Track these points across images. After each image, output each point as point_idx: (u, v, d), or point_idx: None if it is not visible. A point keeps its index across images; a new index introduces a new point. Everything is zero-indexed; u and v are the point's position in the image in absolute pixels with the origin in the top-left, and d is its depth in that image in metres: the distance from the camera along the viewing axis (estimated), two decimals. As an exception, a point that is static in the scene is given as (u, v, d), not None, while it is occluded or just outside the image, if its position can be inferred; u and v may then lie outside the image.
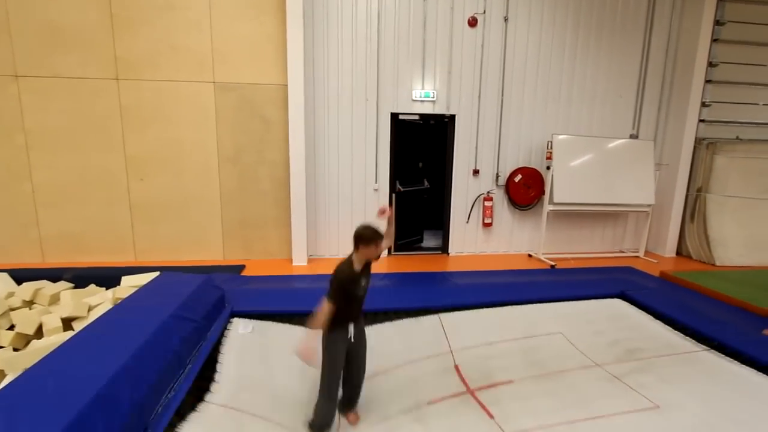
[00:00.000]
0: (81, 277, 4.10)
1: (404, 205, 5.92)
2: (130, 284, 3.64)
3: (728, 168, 5.87)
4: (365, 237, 2.24)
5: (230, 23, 4.93)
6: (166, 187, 5.14)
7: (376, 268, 5.33)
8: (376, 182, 5.59)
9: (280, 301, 3.78)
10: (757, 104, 6.18)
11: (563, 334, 3.47)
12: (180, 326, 2.67)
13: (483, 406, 2.56)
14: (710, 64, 5.86)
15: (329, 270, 4.96)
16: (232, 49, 4.98)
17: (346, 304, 2.32)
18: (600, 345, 3.28)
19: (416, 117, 5.62)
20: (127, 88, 4.89)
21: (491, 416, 2.45)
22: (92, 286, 3.87)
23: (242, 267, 5.03)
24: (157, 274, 3.61)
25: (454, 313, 3.77)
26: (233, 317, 3.42)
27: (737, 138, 6.14)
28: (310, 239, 5.41)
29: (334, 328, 2.32)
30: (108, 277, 3.97)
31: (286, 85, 4.96)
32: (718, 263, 5.70)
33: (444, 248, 6.06)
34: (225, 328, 3.22)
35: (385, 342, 3.34)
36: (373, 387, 2.91)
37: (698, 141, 6.01)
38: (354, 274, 2.29)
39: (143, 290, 3.12)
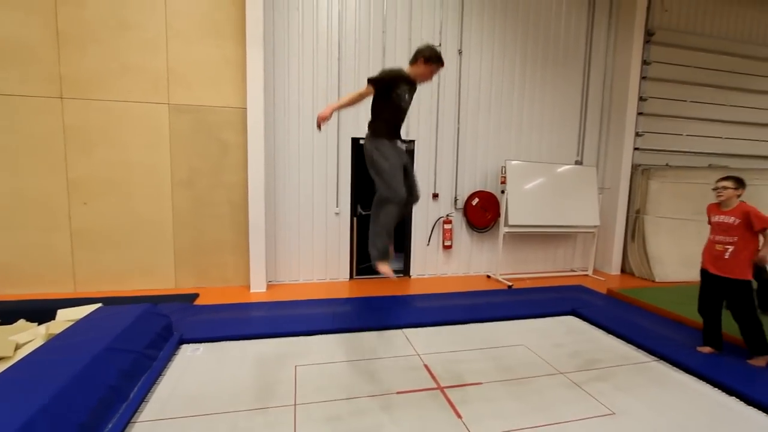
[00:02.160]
0: (9, 312, 3.71)
1: (366, 229, 5.92)
2: (66, 318, 3.33)
3: (661, 192, 6.44)
4: (428, 55, 2.34)
5: (188, 45, 4.86)
6: (112, 211, 4.84)
7: (336, 293, 5.26)
8: (337, 206, 5.58)
9: (234, 327, 3.65)
10: (681, 135, 6.91)
11: (526, 345, 3.61)
12: (117, 359, 2.51)
13: (452, 405, 2.61)
14: (641, 99, 6.50)
15: (290, 296, 4.93)
16: (189, 71, 4.89)
17: (388, 110, 2.44)
18: (561, 355, 3.43)
19: (377, 142, 5.73)
20: (72, 107, 4.63)
21: (459, 416, 2.50)
22: (22, 322, 3.50)
23: (195, 296, 4.77)
24: (97, 306, 3.35)
25: (419, 328, 3.90)
26: (182, 344, 3.30)
27: (667, 165, 6.79)
28: (269, 264, 5.26)
29: (386, 138, 2.50)
30: (42, 311, 3.61)
31: (245, 108, 4.92)
32: (657, 279, 6.15)
33: (406, 271, 6.10)
34: (173, 355, 3.11)
35: (347, 342, 3.53)
36: (336, 369, 3.02)
37: (634, 167, 6.57)
38: (403, 74, 2.39)
39: (78, 324, 2.90)
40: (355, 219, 5.71)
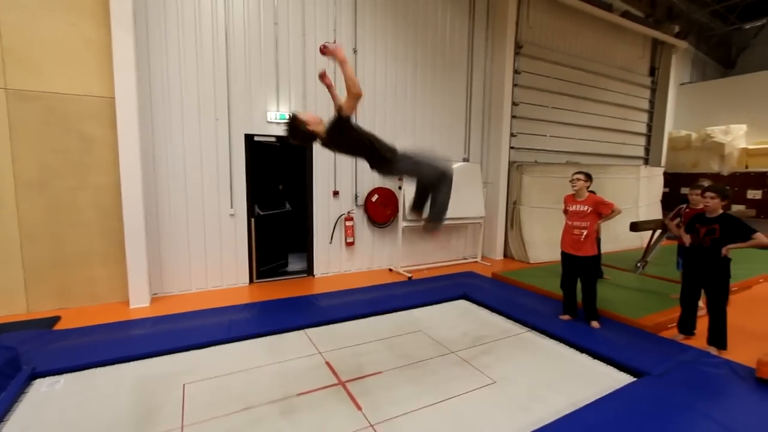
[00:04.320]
0: None
1: (266, 230, 5.68)
2: None
3: (532, 185, 7.43)
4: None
5: (31, 20, 4.04)
6: (-76, 223, 3.80)
7: (234, 299, 4.93)
8: (231, 207, 5.23)
9: (107, 350, 3.19)
10: (545, 136, 8.07)
11: (423, 331, 3.87)
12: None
13: (353, 398, 2.67)
14: (514, 103, 7.39)
15: (179, 308, 4.51)
16: (35, 51, 4.07)
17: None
18: (453, 336, 3.75)
19: (273, 139, 5.51)
20: None
21: (359, 408, 2.57)
22: None
23: (56, 319, 4.03)
24: None
25: (321, 327, 3.91)
26: (35, 379, 2.78)
27: (536, 162, 7.85)
28: (153, 275, 4.70)
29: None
30: None
31: (113, 98, 4.29)
32: (531, 261, 7.10)
33: (309, 270, 6.01)
34: (21, 393, 2.61)
35: (245, 351, 3.38)
36: (232, 381, 2.87)
37: (511, 164, 7.46)
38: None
39: None
40: (252, 220, 5.41)
